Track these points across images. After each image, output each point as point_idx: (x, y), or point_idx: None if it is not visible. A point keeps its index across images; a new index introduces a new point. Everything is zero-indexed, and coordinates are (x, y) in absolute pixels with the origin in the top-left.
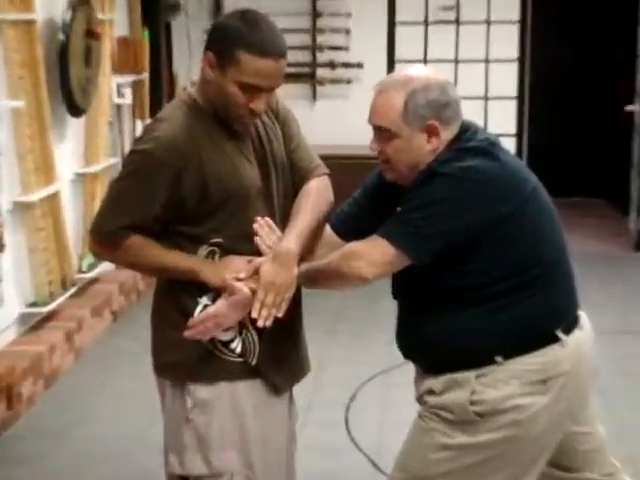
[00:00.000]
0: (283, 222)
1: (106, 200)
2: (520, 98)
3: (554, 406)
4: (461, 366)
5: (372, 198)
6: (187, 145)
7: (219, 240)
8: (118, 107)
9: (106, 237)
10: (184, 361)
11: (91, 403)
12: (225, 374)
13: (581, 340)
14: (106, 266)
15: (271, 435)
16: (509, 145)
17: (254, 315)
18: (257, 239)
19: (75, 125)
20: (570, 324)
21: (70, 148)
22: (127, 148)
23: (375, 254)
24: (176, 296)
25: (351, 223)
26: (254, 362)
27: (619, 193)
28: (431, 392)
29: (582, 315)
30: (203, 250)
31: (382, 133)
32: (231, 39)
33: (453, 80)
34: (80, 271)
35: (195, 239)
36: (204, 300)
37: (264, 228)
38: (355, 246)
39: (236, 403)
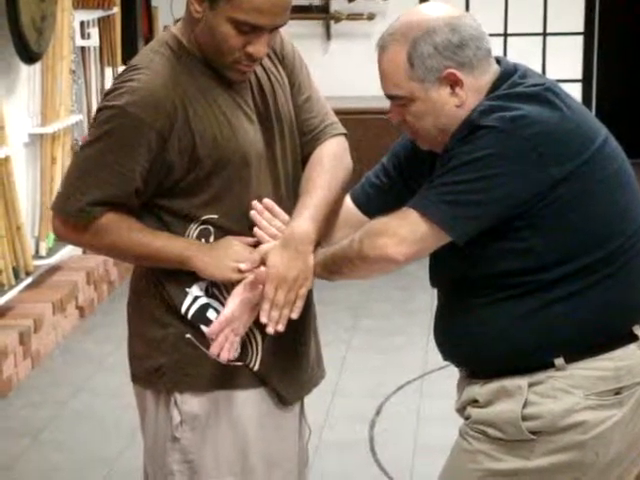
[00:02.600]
0: (291, 196)
1: (72, 169)
2: (588, 34)
3: (631, 424)
4: (512, 371)
5: (404, 166)
6: (171, 98)
7: (213, 216)
8: (82, 51)
9: (73, 216)
10: (170, 365)
11: (54, 423)
12: (221, 381)
13: None
14: (70, 250)
15: (278, 457)
16: (573, 94)
17: (263, 319)
18: (256, 230)
19: (29, 74)
20: None
21: (23, 103)
22: (94, 102)
23: (405, 230)
24: (159, 285)
25: (379, 198)
26: (257, 367)
27: None
28: (475, 402)
29: None
30: (193, 229)
31: (396, 101)
32: None
33: (503, 12)
34: (38, 256)
35: (183, 216)
36: (194, 290)
37: (264, 214)
38: (380, 221)
39: (235, 417)
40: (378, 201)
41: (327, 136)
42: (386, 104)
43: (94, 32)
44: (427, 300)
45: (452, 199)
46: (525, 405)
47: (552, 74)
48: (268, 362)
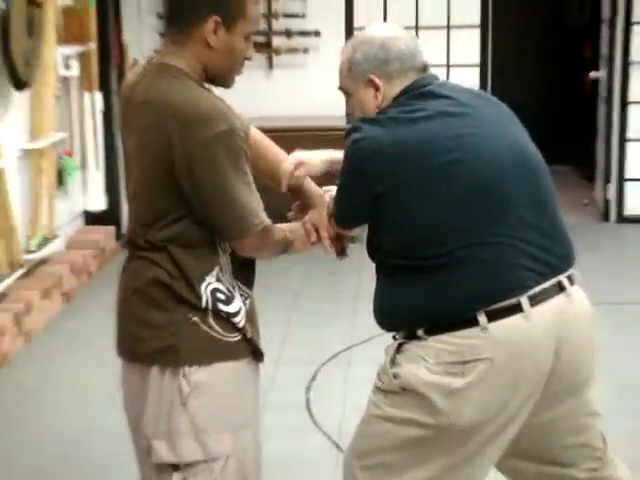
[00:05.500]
0: None
1: (232, 198)
2: (483, 27)
3: (477, 392)
4: (403, 337)
5: None
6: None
7: None
8: (65, 80)
9: (259, 226)
10: (179, 344)
11: (43, 389)
12: (222, 355)
13: (523, 329)
14: (56, 246)
15: (257, 412)
16: (472, 78)
17: (328, 250)
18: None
19: (20, 99)
20: (501, 310)
21: (15, 123)
22: (75, 122)
23: None
24: (174, 276)
25: None
26: (249, 334)
27: (584, 160)
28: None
29: (550, 304)
30: None
31: (343, 93)
32: None
33: (414, 9)
34: (28, 251)
35: None
36: (209, 279)
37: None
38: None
39: (233, 383)
40: None
41: None
42: (320, 123)
43: (74, 64)
44: (351, 284)
45: (336, 199)
46: (393, 363)
47: (455, 61)
48: (251, 327)
